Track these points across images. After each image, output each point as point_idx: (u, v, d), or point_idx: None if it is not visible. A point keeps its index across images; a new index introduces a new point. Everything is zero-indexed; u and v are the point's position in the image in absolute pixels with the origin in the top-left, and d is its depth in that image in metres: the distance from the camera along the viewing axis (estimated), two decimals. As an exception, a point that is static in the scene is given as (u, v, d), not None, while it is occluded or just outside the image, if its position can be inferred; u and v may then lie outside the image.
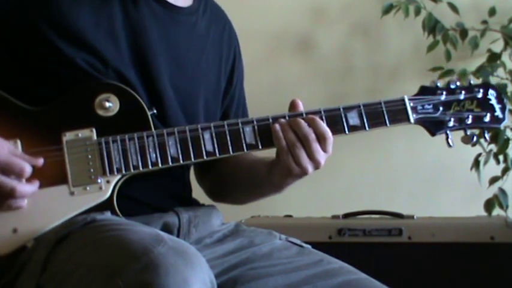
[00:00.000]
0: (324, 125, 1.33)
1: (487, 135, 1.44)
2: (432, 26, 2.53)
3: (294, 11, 2.80)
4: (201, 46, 1.49)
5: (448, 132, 1.42)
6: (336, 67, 2.79)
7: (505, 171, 2.40)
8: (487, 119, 1.43)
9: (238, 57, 1.59)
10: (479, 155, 2.41)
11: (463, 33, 2.54)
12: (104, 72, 1.34)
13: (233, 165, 1.51)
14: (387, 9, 2.54)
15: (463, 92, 1.43)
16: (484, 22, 2.55)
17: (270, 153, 1.39)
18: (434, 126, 1.41)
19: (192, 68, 1.45)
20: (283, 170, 1.35)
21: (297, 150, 1.32)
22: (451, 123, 1.41)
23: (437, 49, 2.55)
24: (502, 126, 1.45)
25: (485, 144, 2.39)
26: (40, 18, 1.32)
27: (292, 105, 1.37)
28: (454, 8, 2.54)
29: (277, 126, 1.33)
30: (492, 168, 2.42)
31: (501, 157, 2.40)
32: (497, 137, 2.36)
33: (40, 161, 1.28)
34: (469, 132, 1.44)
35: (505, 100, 1.44)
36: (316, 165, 1.33)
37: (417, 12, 2.54)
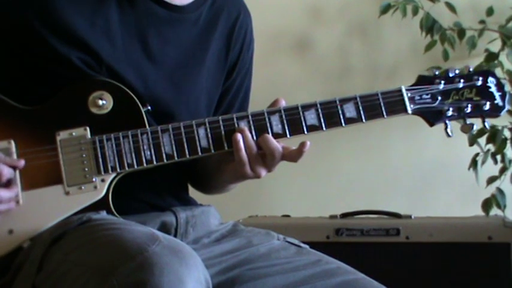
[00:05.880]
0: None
1: (487, 124, 1.40)
2: (430, 25, 2.53)
3: (291, 10, 2.80)
4: (204, 42, 1.45)
5: (447, 122, 1.38)
6: (333, 67, 2.79)
7: (502, 171, 2.40)
8: (487, 107, 1.39)
9: (246, 49, 1.53)
10: (477, 154, 2.41)
11: (461, 33, 2.54)
12: (99, 70, 1.33)
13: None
14: (385, 9, 2.54)
15: (462, 80, 1.40)
16: (482, 22, 2.55)
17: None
18: (432, 116, 1.38)
19: (190, 67, 1.43)
20: (236, 174, 1.35)
21: (257, 163, 1.32)
22: (449, 113, 1.38)
23: (435, 49, 2.55)
24: (502, 114, 1.40)
25: (483, 144, 2.39)
26: (35, 17, 1.31)
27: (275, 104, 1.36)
28: (451, 7, 2.54)
29: (238, 136, 1.31)
30: (490, 168, 2.42)
31: (499, 157, 2.40)
32: (495, 136, 2.36)
33: (21, 163, 1.27)
34: (468, 121, 1.39)
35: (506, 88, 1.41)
36: (270, 171, 1.34)
37: (415, 12, 2.54)
